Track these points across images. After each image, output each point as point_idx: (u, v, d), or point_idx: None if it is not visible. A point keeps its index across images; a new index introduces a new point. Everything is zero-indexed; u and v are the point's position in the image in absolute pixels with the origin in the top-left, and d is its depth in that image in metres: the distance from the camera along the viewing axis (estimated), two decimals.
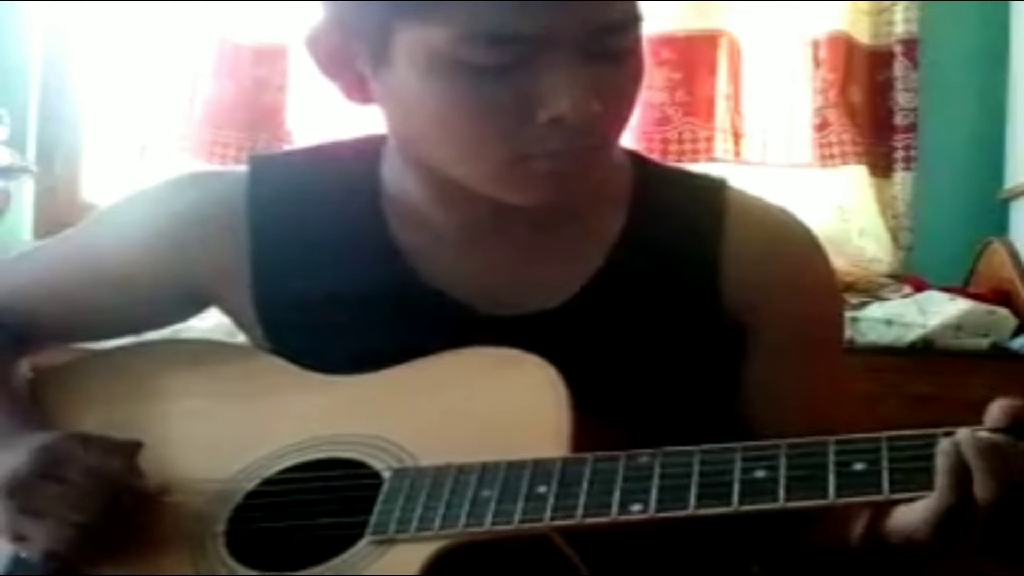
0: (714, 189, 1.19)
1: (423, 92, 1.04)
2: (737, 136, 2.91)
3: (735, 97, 2.91)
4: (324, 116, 2.75)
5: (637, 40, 1.06)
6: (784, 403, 1.13)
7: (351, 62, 1.08)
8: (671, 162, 2.78)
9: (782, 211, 1.20)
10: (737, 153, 2.90)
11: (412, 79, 1.04)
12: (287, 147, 2.76)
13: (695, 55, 2.92)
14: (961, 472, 0.89)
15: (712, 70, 2.91)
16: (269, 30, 2.91)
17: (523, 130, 1.03)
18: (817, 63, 2.90)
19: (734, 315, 1.14)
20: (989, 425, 0.92)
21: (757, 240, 1.15)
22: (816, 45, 2.91)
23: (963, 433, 0.90)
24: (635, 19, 1.05)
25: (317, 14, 1.09)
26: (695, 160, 2.88)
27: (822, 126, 2.90)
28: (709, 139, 2.89)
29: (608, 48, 1.03)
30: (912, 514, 0.93)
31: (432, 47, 1.02)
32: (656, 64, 2.84)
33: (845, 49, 2.89)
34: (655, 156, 2.76)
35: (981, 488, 0.88)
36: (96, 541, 1.05)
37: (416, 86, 1.04)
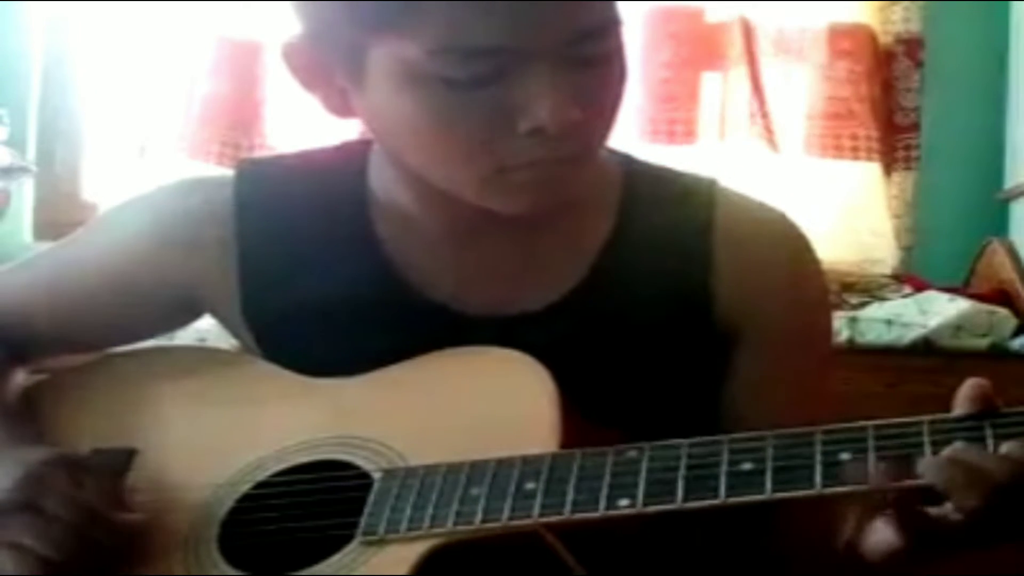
0: (703, 188, 1.18)
1: (400, 106, 1.04)
2: (745, 124, 2.87)
3: (753, 83, 2.87)
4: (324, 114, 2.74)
5: (618, 43, 1.05)
6: (768, 403, 1.12)
7: (330, 76, 1.07)
8: (677, 145, 2.80)
9: (772, 210, 1.20)
10: (746, 141, 2.86)
11: (389, 94, 1.04)
12: (287, 148, 2.76)
13: (709, 34, 2.88)
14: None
15: (723, 53, 2.88)
16: (268, 28, 2.90)
17: (503, 141, 1.02)
18: (834, 54, 2.88)
19: (725, 314, 1.14)
20: (957, 413, 0.92)
21: (748, 239, 1.15)
22: (834, 35, 2.88)
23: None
24: (614, 23, 1.04)
25: (293, 27, 1.08)
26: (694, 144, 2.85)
27: (833, 118, 2.87)
28: (707, 124, 2.86)
29: (587, 54, 1.02)
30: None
31: (407, 62, 1.01)
32: (665, 37, 2.81)
33: (865, 41, 2.87)
34: (661, 139, 2.78)
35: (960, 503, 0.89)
36: (69, 570, 1.04)
37: (393, 101, 1.04)
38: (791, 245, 1.18)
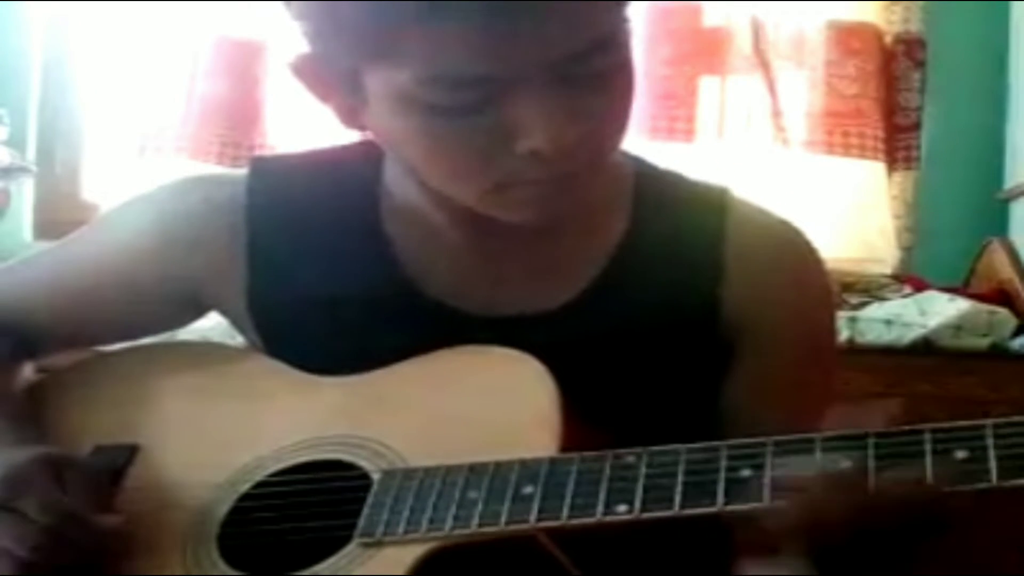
0: (715, 197, 1.18)
1: (397, 127, 1.04)
2: (748, 123, 2.86)
3: (768, 82, 2.86)
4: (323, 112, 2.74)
5: (619, 56, 1.02)
6: (770, 411, 1.12)
7: (339, 91, 1.07)
8: (678, 143, 2.80)
9: (781, 219, 1.19)
10: (748, 139, 2.85)
11: (386, 115, 1.04)
12: (287, 147, 2.76)
13: (707, 37, 2.88)
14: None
15: (722, 58, 2.87)
16: (268, 28, 2.90)
17: (501, 161, 1.01)
18: (843, 53, 2.87)
19: (730, 321, 1.14)
20: (961, 423, 0.91)
21: (758, 248, 1.15)
22: (842, 34, 2.87)
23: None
24: (610, 36, 1.01)
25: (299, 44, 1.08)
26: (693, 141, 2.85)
27: (842, 116, 2.86)
28: (702, 122, 2.86)
29: (582, 72, 1.00)
30: None
31: (398, 89, 1.00)
32: (665, 35, 2.81)
33: (872, 40, 2.86)
34: (661, 136, 2.78)
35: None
36: (50, 572, 1.03)
37: (390, 121, 1.04)
38: (798, 253, 1.18)
